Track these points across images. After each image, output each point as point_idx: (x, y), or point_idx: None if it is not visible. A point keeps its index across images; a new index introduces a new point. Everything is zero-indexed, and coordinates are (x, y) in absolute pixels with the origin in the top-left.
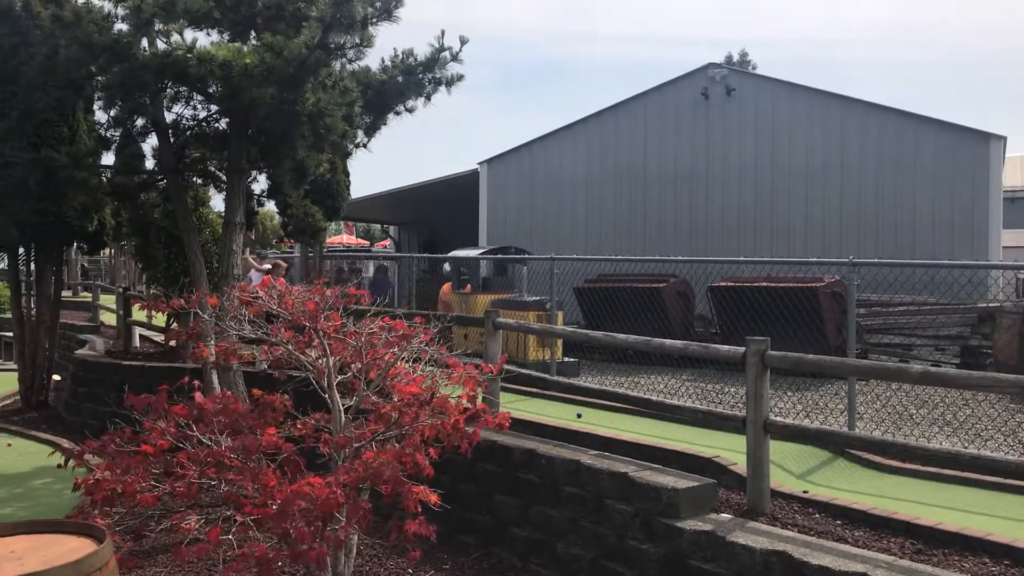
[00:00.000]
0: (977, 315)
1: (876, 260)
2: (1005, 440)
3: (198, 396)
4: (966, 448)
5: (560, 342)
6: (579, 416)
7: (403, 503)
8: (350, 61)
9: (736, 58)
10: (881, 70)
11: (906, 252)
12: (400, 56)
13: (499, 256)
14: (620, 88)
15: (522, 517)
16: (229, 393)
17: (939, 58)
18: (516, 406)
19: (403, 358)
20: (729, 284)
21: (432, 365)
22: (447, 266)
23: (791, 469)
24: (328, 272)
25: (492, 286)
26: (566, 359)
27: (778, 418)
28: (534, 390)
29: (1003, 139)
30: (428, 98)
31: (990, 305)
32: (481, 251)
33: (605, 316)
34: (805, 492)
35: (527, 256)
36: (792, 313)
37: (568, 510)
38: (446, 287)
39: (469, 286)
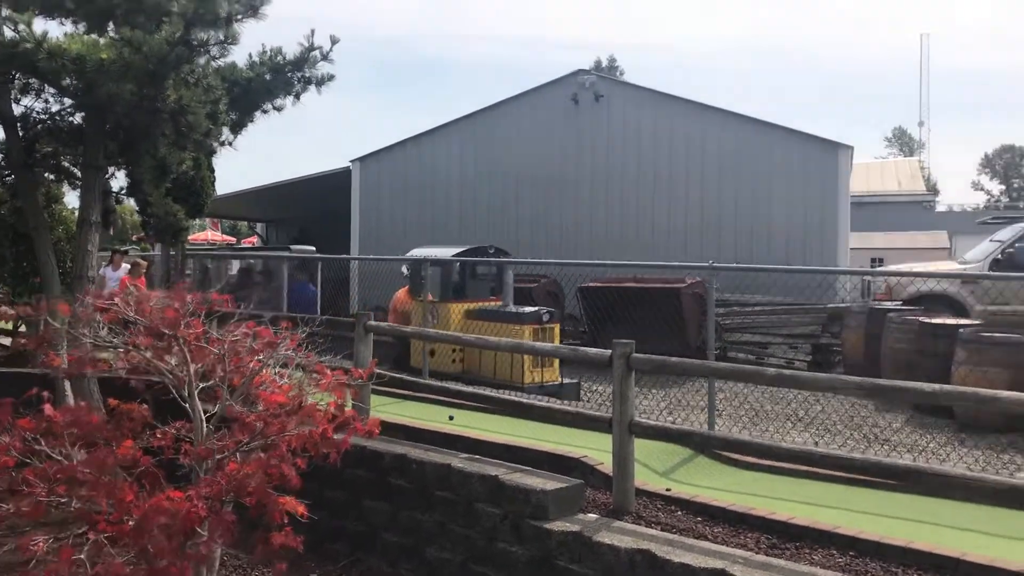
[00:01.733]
0: (827, 315)
1: (735, 265)
2: (852, 435)
3: (47, 408)
4: (817, 444)
5: (557, 363)
6: (451, 419)
7: (269, 514)
8: (214, 58)
9: (605, 63)
10: (742, 80)
11: (763, 254)
12: (268, 54)
13: (480, 259)
14: (494, 88)
15: (392, 523)
16: (84, 404)
17: (794, 68)
18: (389, 410)
19: (269, 365)
20: (597, 285)
21: (301, 371)
22: (405, 269)
23: (655, 467)
24: (194, 273)
25: (467, 293)
26: (565, 381)
27: (643, 418)
28: (407, 393)
29: (850, 148)
30: (297, 97)
31: (839, 305)
32: (457, 251)
33: None
34: (668, 490)
35: (510, 260)
36: (656, 313)
37: (439, 514)
38: (401, 294)
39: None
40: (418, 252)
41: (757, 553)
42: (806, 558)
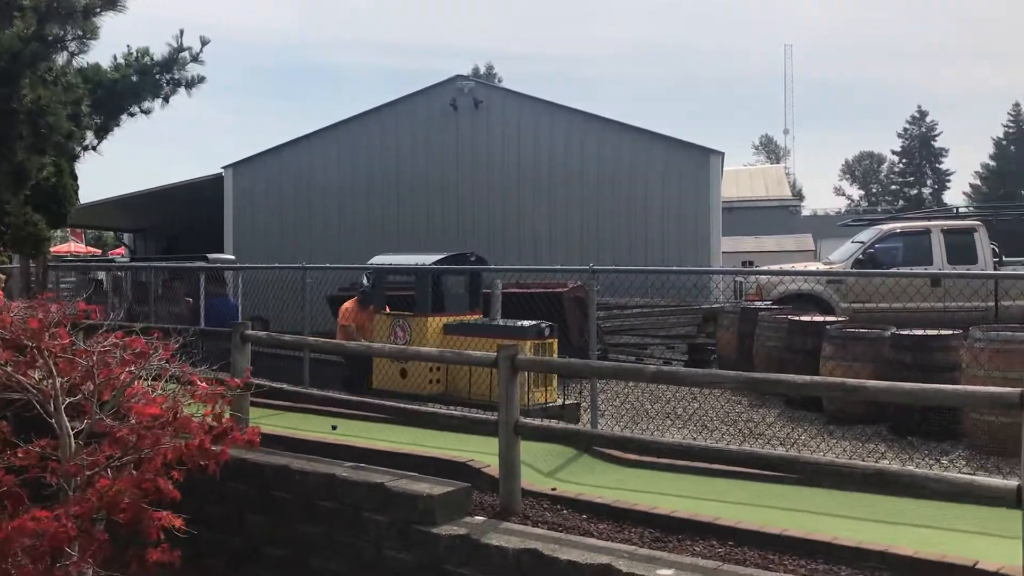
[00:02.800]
0: (702, 316)
1: (614, 267)
2: (728, 430)
3: None
4: (695, 440)
5: (555, 381)
6: (334, 428)
7: (145, 530)
8: (73, 55)
9: (483, 71)
10: (618, 88)
11: (640, 258)
12: (135, 54)
13: (469, 268)
14: (374, 94)
15: (275, 535)
16: None
17: (669, 77)
18: (269, 421)
19: (142, 377)
20: (486, 291)
21: (175, 382)
22: (365, 279)
23: (541, 468)
24: (82, 285)
25: (445, 306)
26: (566, 403)
27: (528, 420)
28: (287, 404)
29: (721, 154)
30: (166, 100)
31: (713, 306)
32: (437, 258)
33: None
34: (554, 489)
35: (483, 267)
36: (538, 317)
37: (324, 525)
38: (349, 305)
39: (379, 306)
40: (380, 259)
41: (641, 547)
42: (688, 550)
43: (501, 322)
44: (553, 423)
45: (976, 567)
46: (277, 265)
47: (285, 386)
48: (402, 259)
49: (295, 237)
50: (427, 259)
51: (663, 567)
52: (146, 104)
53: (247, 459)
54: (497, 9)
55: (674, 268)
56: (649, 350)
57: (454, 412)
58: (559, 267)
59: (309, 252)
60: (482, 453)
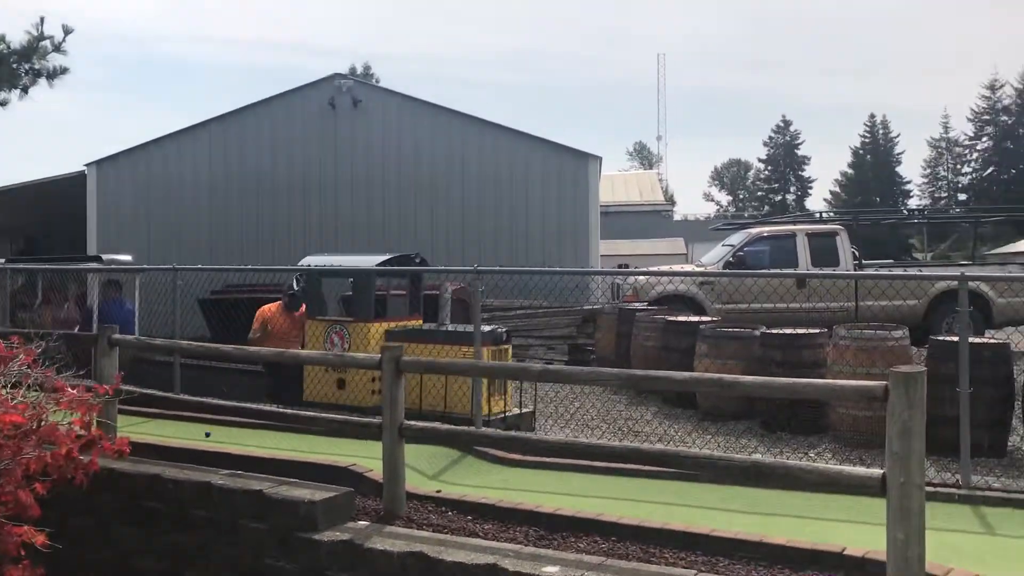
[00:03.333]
0: (582, 316)
1: (498, 268)
2: (608, 428)
3: None
4: (577, 437)
5: (510, 392)
6: (208, 435)
7: (3, 547)
8: None
9: (360, 71)
10: (492, 92)
11: (521, 259)
12: None
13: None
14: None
15: (147, 548)
16: None
17: (540, 83)
18: (139, 429)
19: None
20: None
21: (39, 390)
22: (295, 282)
23: (424, 471)
24: None
25: (387, 311)
26: (522, 411)
27: (412, 422)
28: (157, 411)
29: (599, 159)
30: (25, 91)
31: (593, 307)
32: (381, 259)
33: (235, 328)
34: (438, 492)
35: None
36: (422, 319)
37: (199, 535)
38: (274, 313)
39: (314, 311)
40: (312, 260)
41: (527, 546)
42: (572, 546)
43: (451, 327)
44: (439, 425)
45: (844, 552)
46: (146, 266)
47: (157, 392)
48: (338, 260)
49: (164, 238)
50: (367, 260)
51: (549, 565)
52: (2, 95)
53: (116, 469)
54: (372, 9)
55: (557, 269)
56: (531, 351)
57: (335, 416)
58: (443, 268)
59: (179, 253)
60: (364, 457)
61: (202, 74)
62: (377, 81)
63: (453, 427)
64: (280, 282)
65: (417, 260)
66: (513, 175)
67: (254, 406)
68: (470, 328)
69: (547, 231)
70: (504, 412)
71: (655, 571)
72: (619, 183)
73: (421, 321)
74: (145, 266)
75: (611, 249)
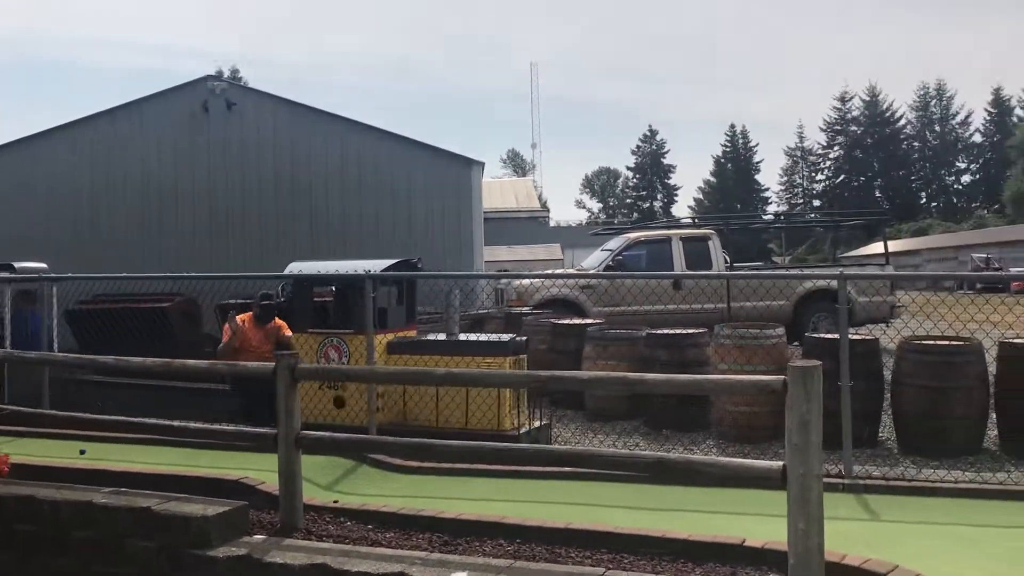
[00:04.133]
0: (469, 321)
1: (393, 273)
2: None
3: None
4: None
5: (524, 402)
6: (82, 452)
7: None
8: None
9: (228, 74)
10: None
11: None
12: None
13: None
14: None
15: (20, 572)
16: None
17: (414, 90)
18: (5, 450)
19: None
20: (236, 302)
21: None
22: (280, 291)
23: (319, 482)
24: None
25: (388, 321)
26: (541, 424)
27: (309, 431)
28: (22, 429)
29: (482, 164)
30: None
31: (479, 312)
32: (384, 265)
33: (106, 341)
34: (336, 502)
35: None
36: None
37: (81, 556)
38: (240, 320)
39: (302, 323)
40: (298, 267)
41: (432, 552)
42: (478, 550)
43: (463, 337)
44: (337, 434)
45: (744, 544)
46: (8, 276)
47: (24, 409)
48: (324, 267)
49: (28, 241)
50: (362, 265)
51: (457, 570)
52: None
53: None
54: (243, 13)
55: (448, 273)
56: None
57: (227, 428)
58: (335, 273)
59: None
60: (254, 470)
61: (74, 77)
62: (246, 85)
63: (355, 436)
64: (160, 292)
65: (419, 267)
66: (396, 181)
67: (134, 420)
68: (483, 337)
69: (432, 236)
70: (528, 425)
71: (563, 571)
72: (496, 190)
73: (415, 332)
74: (69, 275)
75: (490, 255)
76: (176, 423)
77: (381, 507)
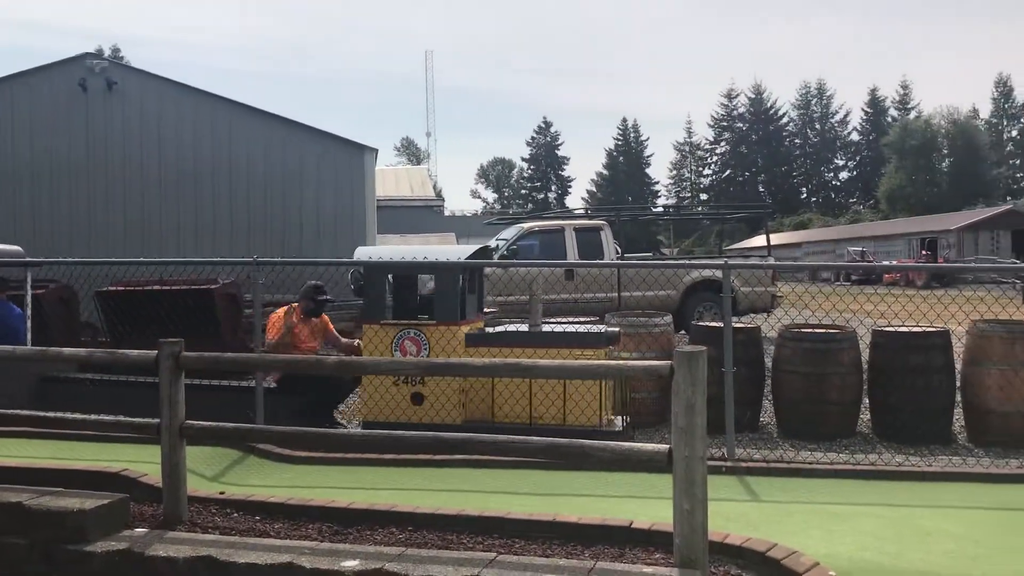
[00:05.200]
0: (360, 310)
1: (280, 259)
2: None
3: None
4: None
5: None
6: None
7: None
8: None
9: (108, 53)
10: (263, 81)
11: (295, 251)
12: None
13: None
14: None
15: None
16: None
17: (316, 74)
18: None
19: None
20: (118, 288)
21: None
22: (352, 278)
23: (205, 473)
24: None
25: (467, 312)
26: (613, 428)
27: (194, 421)
28: None
29: (375, 151)
30: None
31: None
32: (470, 251)
33: None
34: (222, 493)
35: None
36: (188, 316)
37: None
38: (290, 316)
39: (376, 314)
40: (367, 252)
41: (322, 542)
42: (369, 539)
43: (551, 328)
44: (223, 424)
45: (632, 526)
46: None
47: None
48: (391, 252)
49: None
50: (451, 252)
51: (348, 559)
52: None
53: None
54: None
55: (342, 260)
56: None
57: (105, 418)
58: (220, 260)
59: None
60: (134, 462)
61: None
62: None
63: (242, 425)
64: (50, 277)
65: (489, 252)
66: (287, 166)
67: (6, 411)
68: (572, 328)
69: (323, 224)
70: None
71: (455, 556)
72: (390, 177)
73: (482, 324)
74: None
75: (384, 244)
76: (52, 415)
77: (269, 498)
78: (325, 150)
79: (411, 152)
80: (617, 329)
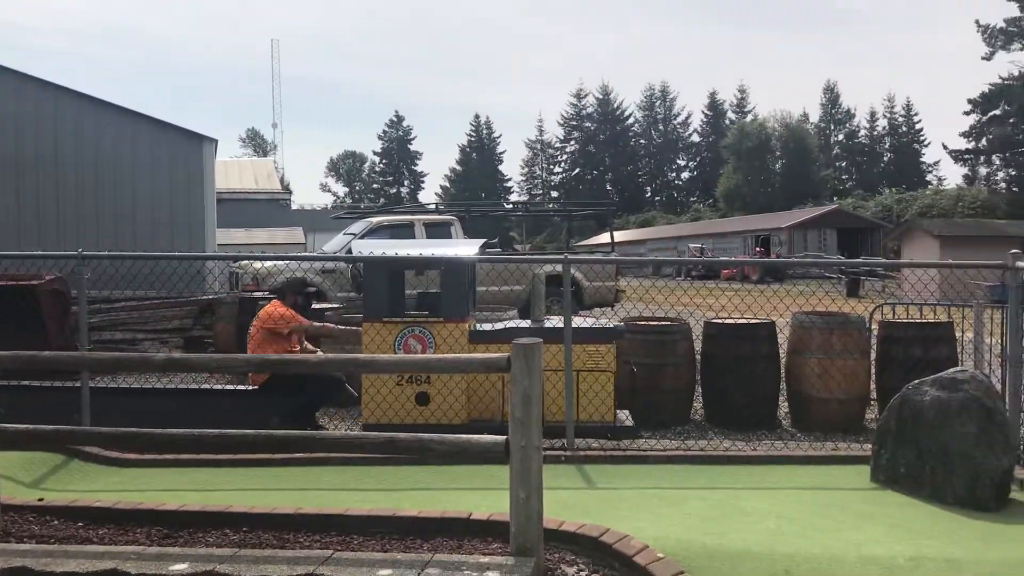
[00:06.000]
0: (199, 307)
1: (108, 253)
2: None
3: None
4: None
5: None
6: None
7: None
8: None
9: None
10: (96, 66)
11: (128, 246)
12: None
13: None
14: None
15: None
16: None
17: (153, 61)
18: None
19: None
20: None
21: None
22: (350, 272)
23: (22, 479)
24: None
25: (469, 307)
26: (625, 422)
27: (8, 425)
28: None
29: (215, 141)
30: None
31: (210, 297)
32: (478, 247)
33: None
34: (41, 500)
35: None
36: (8, 314)
37: None
38: (286, 312)
39: (381, 311)
40: (366, 247)
41: (150, 546)
42: (201, 541)
43: (559, 322)
44: (34, 426)
45: (471, 517)
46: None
47: None
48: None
49: None
50: (456, 248)
51: (176, 563)
52: None
53: None
54: None
55: (173, 254)
56: (141, 346)
57: None
58: (43, 253)
59: None
60: None
61: None
62: None
63: (60, 427)
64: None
65: (500, 246)
66: (118, 155)
67: None
68: (583, 323)
69: (158, 216)
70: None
71: (291, 555)
72: (233, 169)
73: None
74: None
75: (227, 238)
76: None
77: (93, 503)
78: (159, 139)
79: (257, 144)
80: (623, 325)
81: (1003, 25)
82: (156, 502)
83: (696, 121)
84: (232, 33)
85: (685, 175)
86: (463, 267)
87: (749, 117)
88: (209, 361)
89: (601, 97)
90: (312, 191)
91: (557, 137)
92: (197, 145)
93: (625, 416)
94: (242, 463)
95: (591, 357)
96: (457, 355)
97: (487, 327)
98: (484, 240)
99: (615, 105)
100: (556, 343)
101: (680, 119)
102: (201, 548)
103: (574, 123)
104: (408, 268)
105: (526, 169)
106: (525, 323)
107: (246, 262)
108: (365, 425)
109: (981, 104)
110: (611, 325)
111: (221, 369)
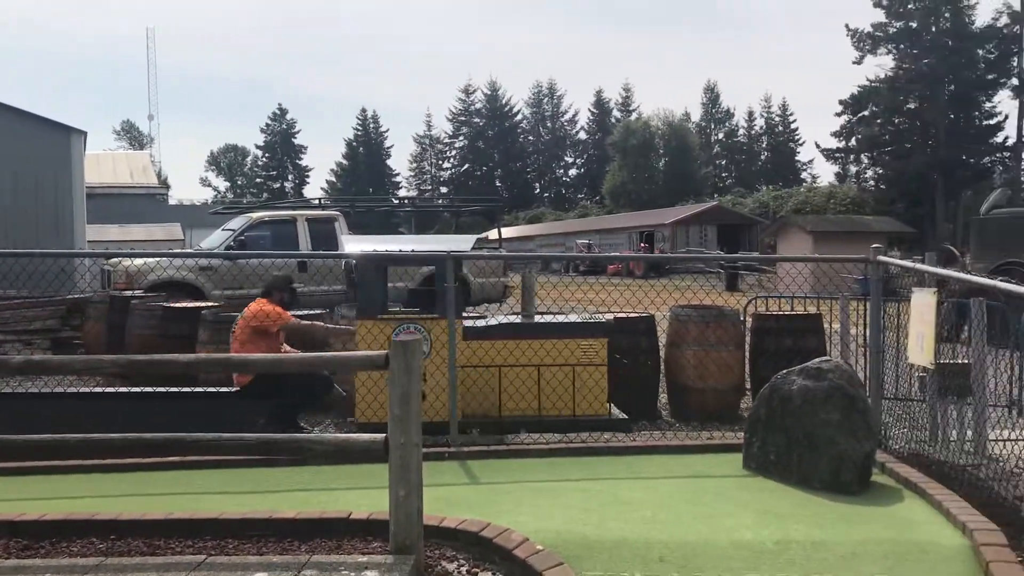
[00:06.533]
0: (67, 307)
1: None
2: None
3: None
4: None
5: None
6: None
7: None
8: None
9: None
10: None
11: None
12: None
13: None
14: None
15: None
16: None
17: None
18: None
19: None
20: None
21: None
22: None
23: None
24: None
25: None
26: (618, 415)
27: None
28: None
29: (84, 134)
30: None
31: (79, 296)
32: (471, 243)
33: None
34: None
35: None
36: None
37: None
38: (265, 310)
39: (373, 308)
40: (359, 244)
41: (7, 559)
42: (64, 551)
43: (548, 318)
44: None
45: (350, 517)
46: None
47: None
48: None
49: None
50: (443, 242)
51: (37, 574)
52: None
53: None
54: None
55: (36, 251)
56: (3, 348)
57: None
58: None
59: None
60: None
61: None
62: None
63: None
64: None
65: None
66: None
67: None
68: (573, 319)
69: (23, 211)
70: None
71: (161, 562)
72: (106, 163)
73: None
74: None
75: (99, 234)
76: None
77: None
78: (21, 131)
79: (133, 136)
80: (612, 319)
81: (871, 30)
82: (15, 512)
83: (583, 119)
84: (104, 16)
85: (573, 172)
86: (459, 264)
87: (634, 115)
88: (73, 362)
89: (489, 93)
90: (192, 186)
91: (446, 132)
92: (64, 137)
93: (617, 411)
94: (110, 468)
95: (585, 352)
96: (336, 353)
97: (481, 323)
98: (476, 236)
99: (503, 101)
100: (551, 338)
101: (567, 116)
102: (64, 559)
103: (463, 119)
104: (400, 264)
105: (415, 164)
106: (517, 319)
107: (117, 260)
108: (359, 425)
109: (851, 105)
110: (603, 319)
111: (85, 371)
